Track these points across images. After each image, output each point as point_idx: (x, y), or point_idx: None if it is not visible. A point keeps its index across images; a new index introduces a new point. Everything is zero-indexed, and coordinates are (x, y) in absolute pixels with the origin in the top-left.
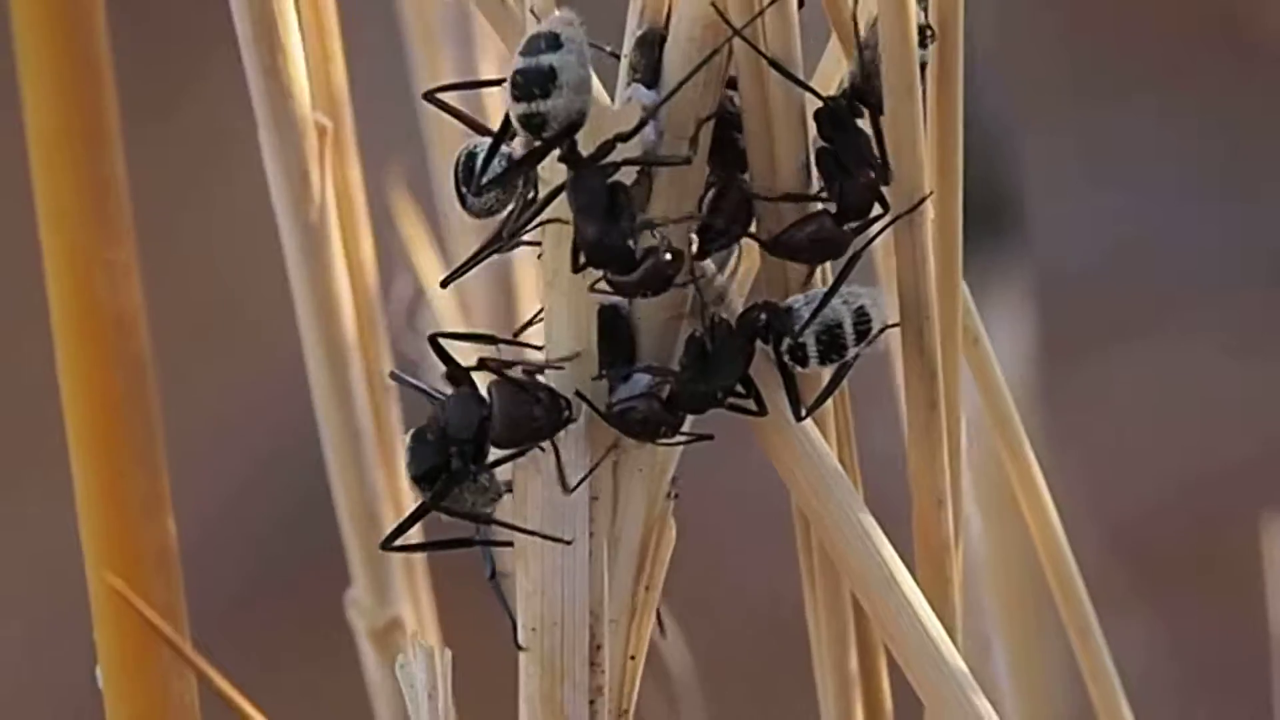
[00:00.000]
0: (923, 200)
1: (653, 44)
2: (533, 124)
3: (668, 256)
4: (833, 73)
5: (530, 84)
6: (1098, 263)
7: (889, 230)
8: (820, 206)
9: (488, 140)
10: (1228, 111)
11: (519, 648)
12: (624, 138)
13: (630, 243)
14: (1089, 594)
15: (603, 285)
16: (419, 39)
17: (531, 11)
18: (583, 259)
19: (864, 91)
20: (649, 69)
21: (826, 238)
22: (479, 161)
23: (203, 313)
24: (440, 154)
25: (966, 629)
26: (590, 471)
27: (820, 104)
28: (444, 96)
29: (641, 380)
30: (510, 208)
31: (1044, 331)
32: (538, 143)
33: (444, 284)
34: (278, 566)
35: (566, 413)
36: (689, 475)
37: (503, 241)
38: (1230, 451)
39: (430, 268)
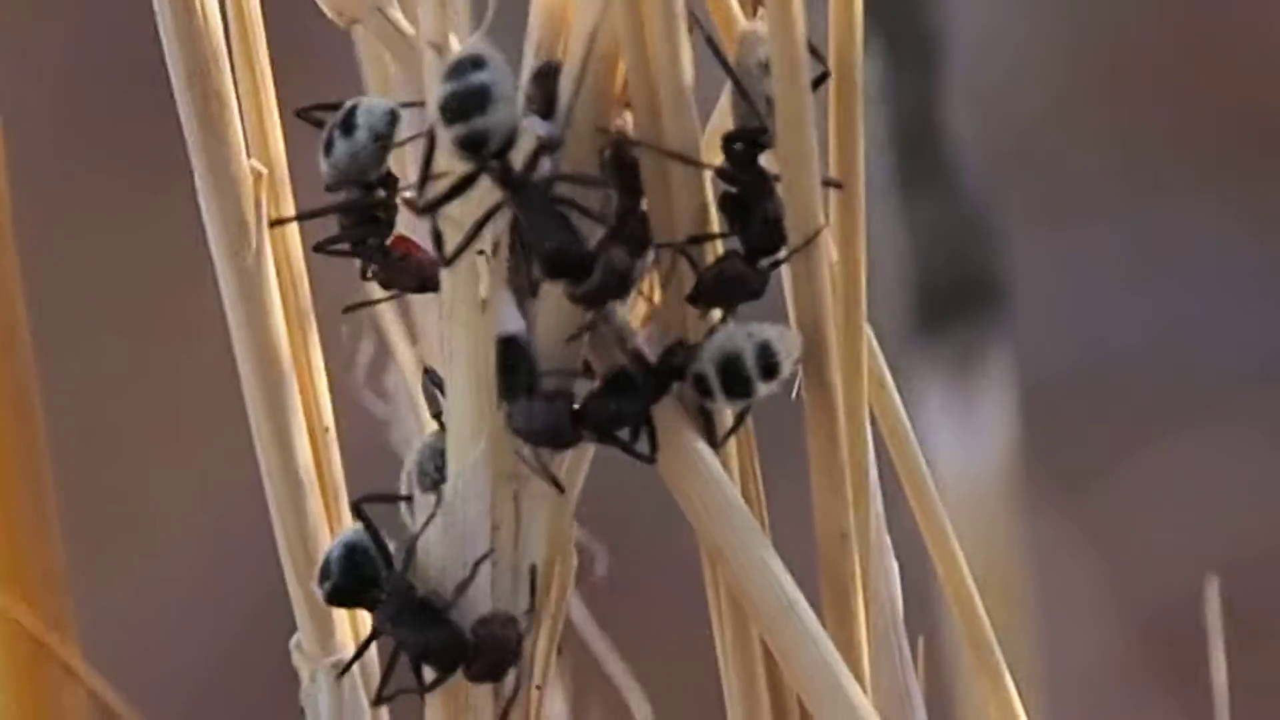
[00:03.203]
0: (817, 233)
1: (548, 76)
2: (473, 143)
3: (623, 250)
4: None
5: (466, 103)
6: (1139, 353)
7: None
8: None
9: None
10: (1266, 204)
11: (419, 679)
12: (551, 147)
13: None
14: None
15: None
16: (375, 85)
17: (430, 44)
18: (537, 274)
19: (748, 128)
20: (544, 101)
21: (736, 276)
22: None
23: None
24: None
25: (883, 676)
26: None
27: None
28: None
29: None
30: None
31: (1081, 419)
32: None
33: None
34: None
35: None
36: (660, 510)
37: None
38: (1265, 541)
39: (394, 326)
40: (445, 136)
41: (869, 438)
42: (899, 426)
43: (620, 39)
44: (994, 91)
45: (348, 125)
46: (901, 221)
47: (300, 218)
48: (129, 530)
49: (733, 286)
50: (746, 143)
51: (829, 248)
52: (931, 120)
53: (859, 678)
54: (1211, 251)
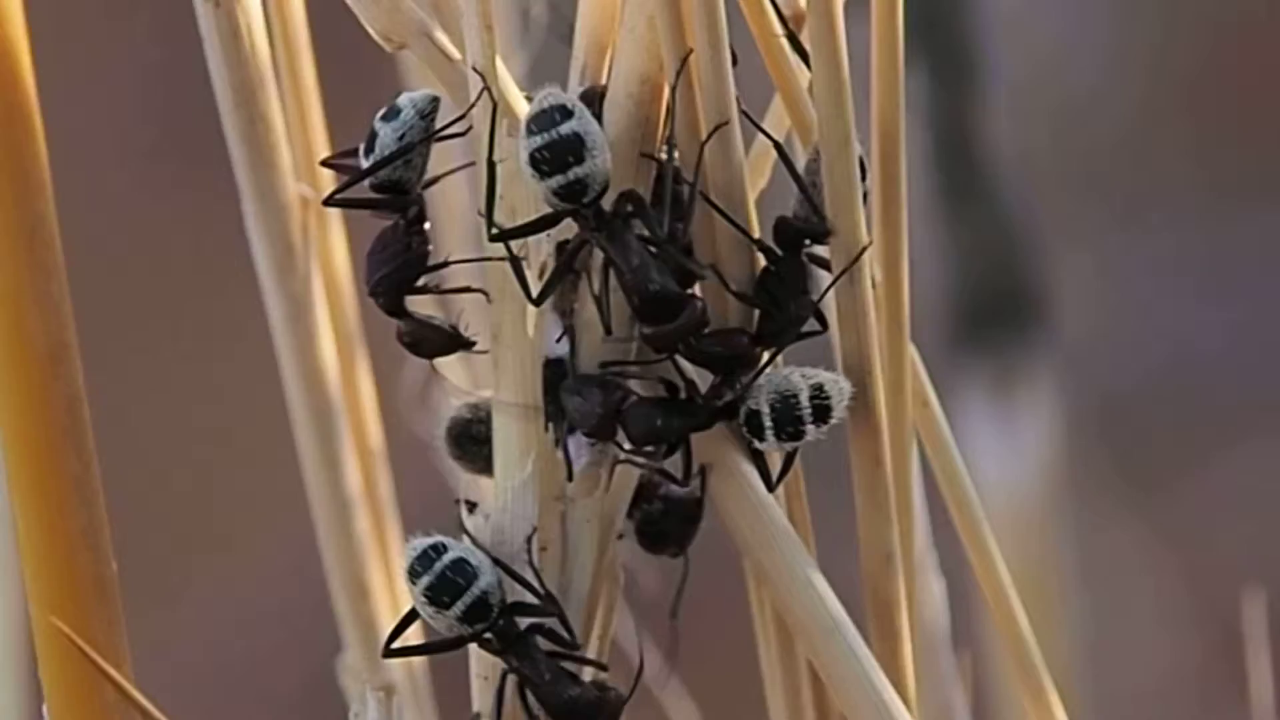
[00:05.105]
0: (863, 251)
1: (592, 101)
2: (573, 192)
3: (703, 301)
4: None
5: (562, 154)
6: (1182, 367)
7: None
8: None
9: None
10: None
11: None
12: (635, 197)
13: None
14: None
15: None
16: None
17: (474, 69)
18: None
19: (808, 223)
20: None
21: (735, 354)
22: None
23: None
24: (443, 226)
25: (927, 694)
26: None
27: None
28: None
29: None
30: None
31: (1123, 435)
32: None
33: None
34: None
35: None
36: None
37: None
38: None
39: None
40: (540, 188)
41: (913, 459)
42: (944, 446)
43: (665, 62)
44: (1036, 107)
45: (391, 112)
46: (944, 236)
47: (345, 203)
48: (176, 548)
49: (728, 361)
50: (799, 232)
51: (872, 268)
52: (973, 136)
53: (904, 697)
54: (1256, 264)
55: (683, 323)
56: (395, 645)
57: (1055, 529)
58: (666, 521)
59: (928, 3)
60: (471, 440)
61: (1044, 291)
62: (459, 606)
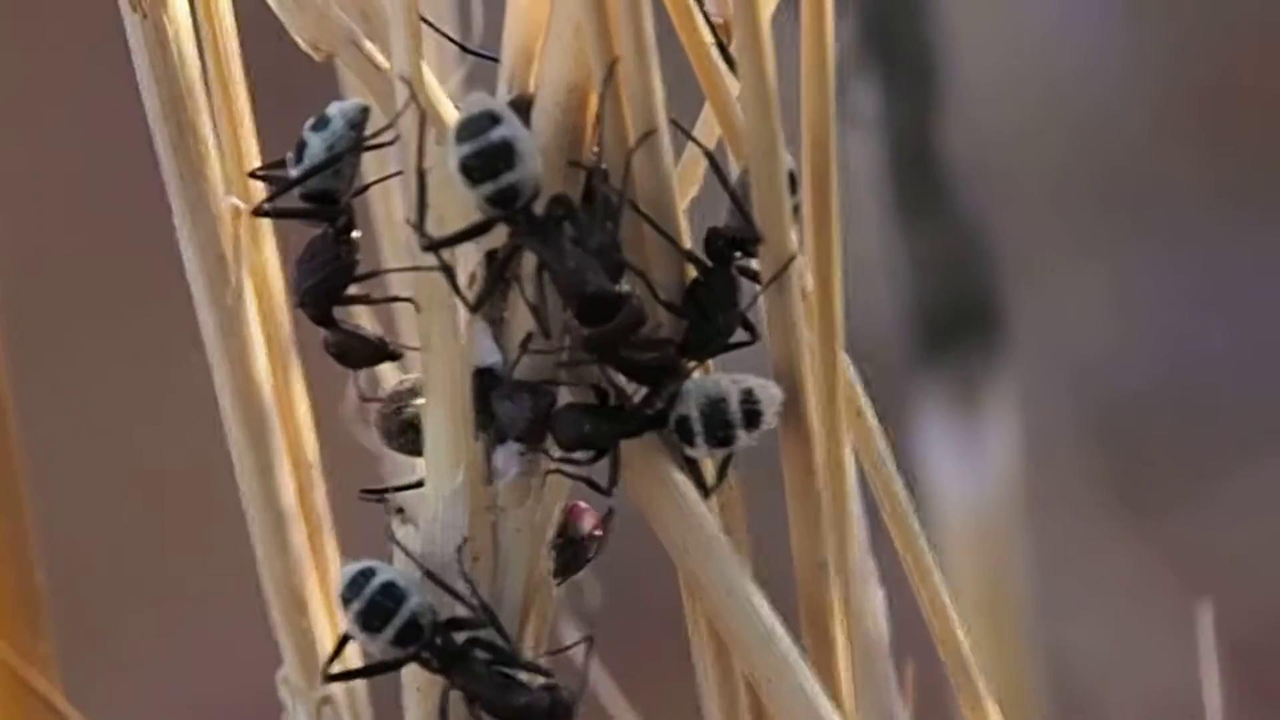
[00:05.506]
0: (790, 261)
1: (520, 110)
2: (505, 198)
3: (640, 300)
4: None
5: (492, 160)
6: (1139, 381)
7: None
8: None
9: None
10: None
11: None
12: (566, 201)
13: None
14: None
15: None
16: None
17: (401, 77)
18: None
19: (739, 233)
20: None
21: (663, 365)
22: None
23: None
24: (381, 234)
25: (869, 704)
26: None
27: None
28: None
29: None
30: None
31: (1085, 447)
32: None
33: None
34: None
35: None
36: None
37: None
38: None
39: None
40: (471, 195)
41: (849, 467)
42: (878, 455)
43: (592, 70)
44: (994, 119)
45: (320, 121)
46: (901, 249)
47: (273, 213)
48: (117, 574)
49: (656, 373)
50: (730, 244)
51: (804, 277)
52: (930, 148)
53: (840, 706)
54: (1210, 282)
55: (621, 321)
56: (336, 669)
57: (1018, 546)
58: (569, 556)
59: (886, 8)
60: (408, 425)
61: (1008, 304)
62: (390, 630)
